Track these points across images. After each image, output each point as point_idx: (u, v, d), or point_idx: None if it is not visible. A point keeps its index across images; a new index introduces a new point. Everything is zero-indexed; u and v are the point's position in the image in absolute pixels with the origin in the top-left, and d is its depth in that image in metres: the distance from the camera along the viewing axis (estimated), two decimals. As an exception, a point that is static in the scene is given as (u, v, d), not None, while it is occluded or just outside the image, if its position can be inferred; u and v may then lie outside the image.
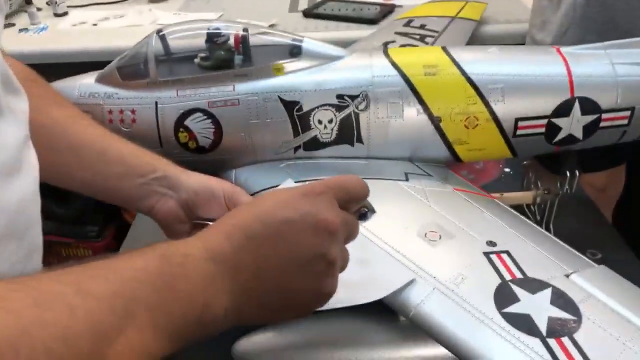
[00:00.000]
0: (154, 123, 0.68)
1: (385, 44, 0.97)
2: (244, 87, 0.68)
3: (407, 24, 1.09)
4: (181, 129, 0.68)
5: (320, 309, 0.50)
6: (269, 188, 0.66)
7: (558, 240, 0.60)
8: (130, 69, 0.69)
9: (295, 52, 0.69)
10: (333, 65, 0.70)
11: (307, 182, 0.40)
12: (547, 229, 0.85)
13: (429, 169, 0.71)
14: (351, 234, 0.41)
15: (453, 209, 0.62)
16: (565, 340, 0.45)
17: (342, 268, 0.40)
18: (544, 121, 0.69)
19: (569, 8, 0.86)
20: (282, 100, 0.68)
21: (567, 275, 0.53)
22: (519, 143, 0.71)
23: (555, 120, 0.69)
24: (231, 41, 0.69)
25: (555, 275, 0.52)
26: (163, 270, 0.31)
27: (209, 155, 0.70)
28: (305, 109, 0.68)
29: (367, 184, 0.43)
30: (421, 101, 0.68)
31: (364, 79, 0.68)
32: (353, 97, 0.68)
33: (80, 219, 1.55)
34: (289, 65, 0.69)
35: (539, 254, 0.56)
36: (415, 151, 0.72)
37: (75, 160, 0.59)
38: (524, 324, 0.47)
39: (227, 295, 0.34)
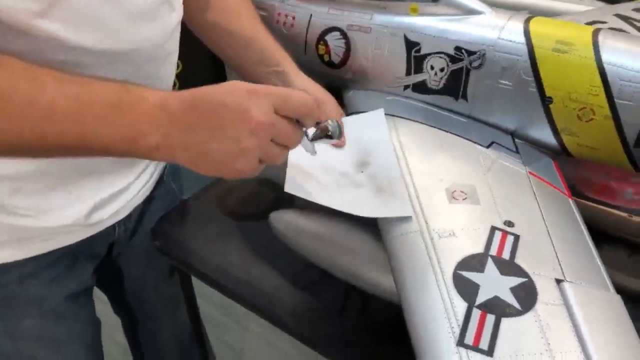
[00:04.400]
0: (304, 32, 0.81)
1: (591, 23, 0.87)
2: (379, 19, 0.75)
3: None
4: (321, 42, 0.80)
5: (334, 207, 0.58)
6: (363, 112, 0.74)
7: (597, 257, 0.53)
8: (303, -17, 0.82)
9: (437, -3, 0.72)
10: (468, 18, 0.70)
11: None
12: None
13: (523, 149, 0.68)
14: (285, 139, 0.48)
15: (504, 185, 0.60)
16: (489, 317, 0.44)
17: (264, 160, 0.48)
18: (681, 141, 0.58)
19: None
20: (406, 38, 0.72)
21: (560, 281, 0.49)
22: (641, 157, 0.62)
23: (697, 144, 0.58)
24: (386, -25, 0.75)
25: (545, 274, 0.49)
26: (120, 98, 0.45)
27: (336, 71, 0.80)
28: (423, 52, 0.71)
29: (314, 105, 0.48)
30: (537, 76, 0.64)
31: (488, 38, 0.67)
32: (470, 53, 0.68)
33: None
34: (426, 8, 0.72)
35: (551, 253, 0.51)
36: (519, 127, 0.69)
37: (229, 39, 0.77)
38: (466, 289, 0.47)
39: (163, 136, 0.46)
